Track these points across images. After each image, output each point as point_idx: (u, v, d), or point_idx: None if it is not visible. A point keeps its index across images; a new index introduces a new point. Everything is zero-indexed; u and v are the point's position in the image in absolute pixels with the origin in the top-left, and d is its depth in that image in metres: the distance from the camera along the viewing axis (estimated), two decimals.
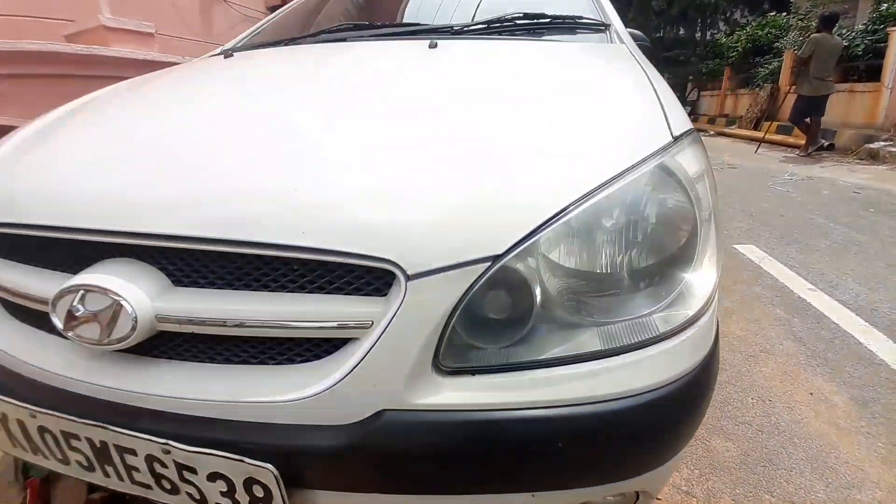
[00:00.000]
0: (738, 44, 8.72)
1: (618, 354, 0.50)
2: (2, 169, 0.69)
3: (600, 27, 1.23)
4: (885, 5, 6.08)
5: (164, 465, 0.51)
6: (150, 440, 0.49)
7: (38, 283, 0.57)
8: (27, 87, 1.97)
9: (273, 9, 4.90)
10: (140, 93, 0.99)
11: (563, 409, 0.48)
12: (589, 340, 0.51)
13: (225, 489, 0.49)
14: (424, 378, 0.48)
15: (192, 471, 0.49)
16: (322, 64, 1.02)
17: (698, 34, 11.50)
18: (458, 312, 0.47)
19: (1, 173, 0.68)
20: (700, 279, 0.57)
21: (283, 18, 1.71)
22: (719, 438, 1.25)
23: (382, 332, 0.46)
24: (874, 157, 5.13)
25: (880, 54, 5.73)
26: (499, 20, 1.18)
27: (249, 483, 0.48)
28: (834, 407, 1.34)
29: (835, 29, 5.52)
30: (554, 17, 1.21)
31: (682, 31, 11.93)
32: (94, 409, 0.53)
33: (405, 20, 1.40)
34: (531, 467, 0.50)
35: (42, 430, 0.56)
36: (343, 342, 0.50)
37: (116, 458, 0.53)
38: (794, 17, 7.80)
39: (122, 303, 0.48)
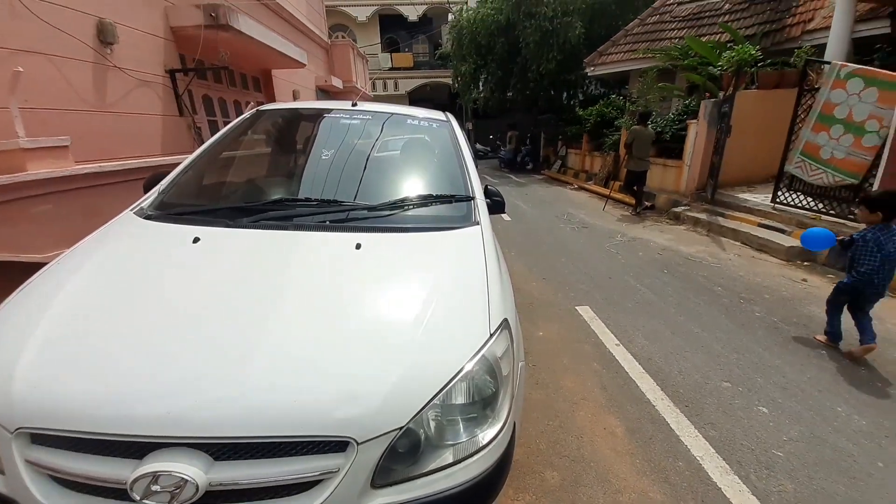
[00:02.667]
0: (591, 116, 10.94)
1: (461, 461, 1.04)
2: (46, 383, 0.96)
3: (468, 199, 1.86)
4: (688, 101, 8.24)
5: None
6: None
7: (108, 469, 0.90)
8: None
9: (171, 72, 4.88)
10: (120, 292, 1.22)
11: (437, 496, 1.00)
12: (447, 456, 1.04)
13: None
14: (366, 492, 0.96)
15: None
16: (275, 265, 1.32)
17: (565, 101, 13.91)
18: (384, 455, 0.96)
19: (48, 390, 0.95)
20: (501, 412, 1.14)
21: (204, 164, 1.99)
22: (549, 470, 1.91)
23: (345, 474, 0.93)
24: (678, 218, 6.95)
25: (682, 139, 7.82)
26: (403, 200, 1.74)
27: None
28: (616, 437, 2.11)
29: (649, 122, 7.46)
30: (438, 196, 1.82)
31: (553, 94, 14.17)
32: None
33: (323, 194, 1.76)
34: None
35: None
36: (321, 479, 0.95)
37: None
38: (627, 102, 10.13)
39: (189, 480, 0.87)
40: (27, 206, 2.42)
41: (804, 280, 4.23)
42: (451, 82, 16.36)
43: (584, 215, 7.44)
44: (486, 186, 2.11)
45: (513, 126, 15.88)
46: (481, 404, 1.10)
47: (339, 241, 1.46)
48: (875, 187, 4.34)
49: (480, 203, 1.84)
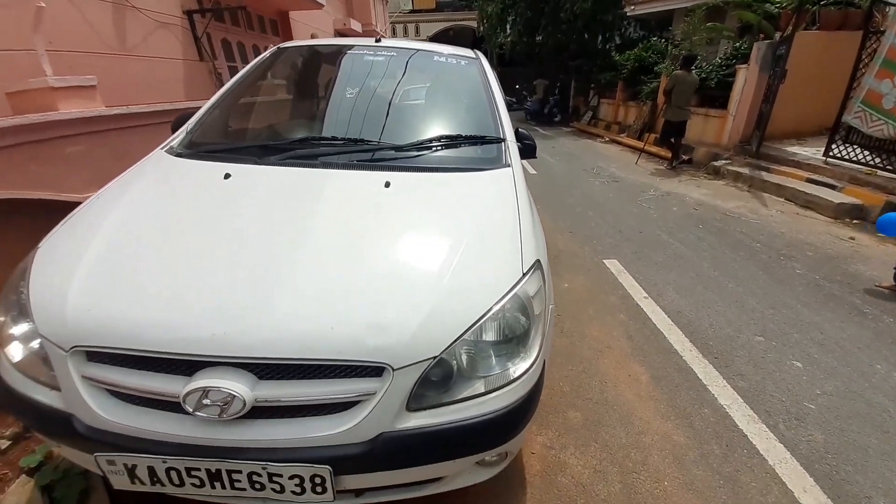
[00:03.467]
0: (629, 62, 10.14)
1: (492, 392, 1.06)
2: (99, 305, 0.99)
3: (498, 140, 1.77)
4: (739, 43, 7.49)
5: (259, 476, 0.95)
6: (254, 462, 0.94)
7: (162, 384, 0.94)
8: None
9: (188, 13, 4.73)
10: (158, 223, 1.24)
11: (468, 422, 1.02)
12: (479, 386, 1.05)
13: (298, 482, 0.96)
14: (401, 415, 0.98)
15: (279, 476, 0.95)
16: (305, 201, 1.32)
17: (599, 45, 12.89)
18: (417, 382, 0.98)
19: (100, 310, 0.98)
20: (532, 349, 1.14)
21: (229, 104, 1.95)
22: (572, 410, 1.95)
23: (380, 398, 0.95)
24: (717, 172, 6.56)
25: (728, 87, 7.20)
26: (431, 140, 1.68)
27: (313, 477, 0.95)
28: (640, 383, 2.12)
29: (693, 67, 6.86)
30: (468, 136, 1.75)
31: (587, 38, 13.15)
32: (212, 451, 0.94)
33: (348, 133, 1.71)
34: (454, 449, 1.04)
35: (170, 469, 0.96)
36: (358, 401, 0.98)
37: (225, 478, 0.96)
38: (670, 45, 9.30)
39: (237, 396, 0.90)
40: (61, 146, 2.46)
41: (852, 238, 3.98)
42: (475, 25, 15.33)
43: (615, 169, 7.11)
44: (516, 129, 2.01)
45: (541, 74, 14.91)
46: (515, 341, 1.11)
47: (368, 179, 1.44)
48: None
49: (511, 145, 1.77)
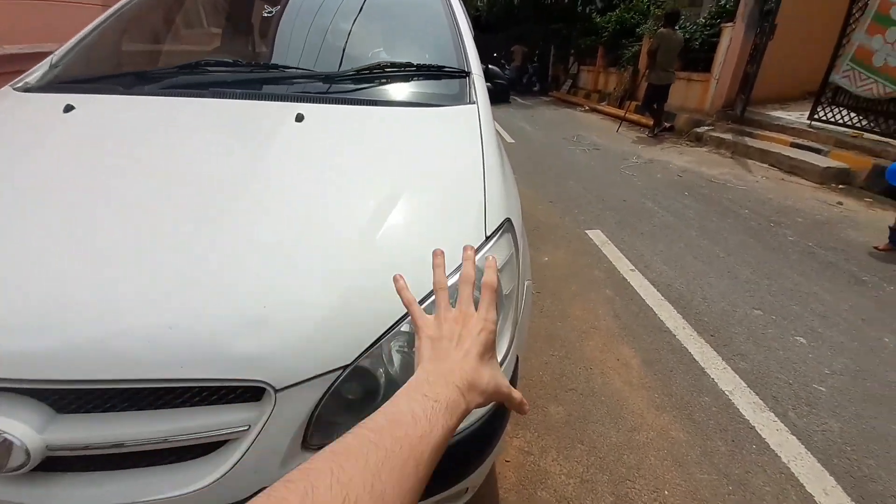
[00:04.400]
0: (609, 24, 9.66)
1: None
2: None
3: (461, 74, 1.38)
4: (724, 0, 7.08)
5: None
6: None
7: None
8: None
9: None
10: None
11: None
12: None
13: None
14: (296, 458, 0.63)
15: None
16: (173, 142, 0.95)
17: (579, 8, 12.29)
18: (320, 405, 0.63)
19: None
20: (500, 343, 0.80)
21: (113, 27, 1.49)
22: (554, 404, 1.66)
23: (259, 433, 0.61)
24: (699, 139, 6.32)
25: (713, 48, 6.86)
26: (369, 68, 1.27)
27: None
28: (630, 369, 1.84)
29: (678, 26, 6.48)
30: (420, 66, 1.34)
31: (566, 1, 12.55)
32: None
33: (258, 58, 1.33)
34: None
35: None
36: (225, 440, 0.63)
37: None
38: (652, 6, 8.85)
39: (10, 438, 0.54)
40: None
41: (840, 203, 3.81)
42: None
43: (596, 137, 6.78)
44: (486, 66, 1.61)
45: (519, 39, 14.21)
46: None
47: (274, 111, 1.05)
48: None
49: (478, 80, 1.38)
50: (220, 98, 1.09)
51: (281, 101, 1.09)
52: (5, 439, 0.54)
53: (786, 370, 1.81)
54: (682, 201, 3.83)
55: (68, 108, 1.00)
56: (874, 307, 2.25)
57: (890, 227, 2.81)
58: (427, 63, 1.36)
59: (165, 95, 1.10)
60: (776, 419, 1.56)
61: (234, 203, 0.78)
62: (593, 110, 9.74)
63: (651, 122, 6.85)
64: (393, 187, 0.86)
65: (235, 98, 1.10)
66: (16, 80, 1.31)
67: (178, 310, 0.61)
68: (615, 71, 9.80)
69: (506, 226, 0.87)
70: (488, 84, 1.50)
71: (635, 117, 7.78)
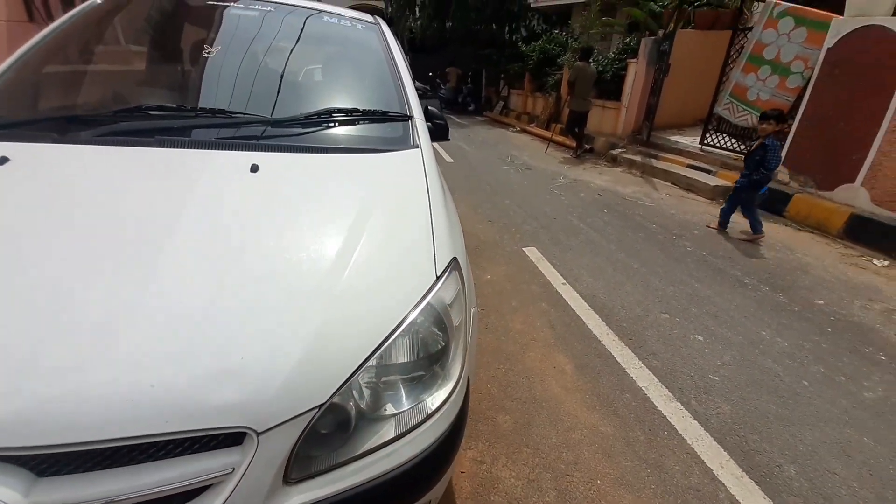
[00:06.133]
0: (534, 53, 10.50)
1: (405, 435, 0.82)
2: None
3: (404, 118, 1.51)
4: (629, 39, 8.06)
5: None
6: None
7: None
8: None
9: None
10: None
11: (376, 482, 0.77)
12: (388, 430, 0.81)
13: None
14: (278, 493, 0.70)
15: None
16: (120, 195, 0.94)
17: (507, 36, 13.18)
18: (298, 443, 0.71)
19: None
20: (453, 370, 0.92)
21: (40, 61, 1.41)
22: (501, 414, 1.81)
23: (243, 474, 0.67)
24: (615, 160, 7.07)
25: (622, 80, 7.75)
26: (318, 114, 1.35)
27: None
28: (565, 374, 2.07)
29: (591, 59, 7.27)
30: (365, 111, 1.44)
31: (495, 27, 13.36)
32: None
33: (202, 103, 1.30)
34: None
35: None
36: (208, 485, 0.67)
37: None
38: (570, 39, 9.80)
39: None
40: None
41: None
42: (383, 7, 14.70)
43: (528, 157, 7.30)
44: (425, 107, 1.75)
45: (452, 62, 14.87)
46: (427, 361, 0.88)
47: (227, 162, 1.08)
48: (793, 128, 4.59)
49: (420, 124, 1.51)
50: (168, 147, 1.08)
51: (233, 149, 1.12)
52: None
53: (688, 364, 2.14)
54: (602, 218, 4.29)
55: (3, 161, 0.96)
56: (754, 306, 2.73)
57: (721, 211, 3.99)
58: (371, 108, 1.46)
59: (106, 144, 1.07)
60: (682, 407, 1.86)
61: (201, 260, 0.82)
62: (524, 131, 10.43)
63: (574, 144, 7.55)
64: (349, 237, 0.94)
65: (184, 147, 1.10)
66: None
67: (157, 368, 0.66)
68: (541, 95, 10.62)
69: (453, 264, 1.00)
70: (429, 123, 1.64)
71: (560, 139, 8.47)
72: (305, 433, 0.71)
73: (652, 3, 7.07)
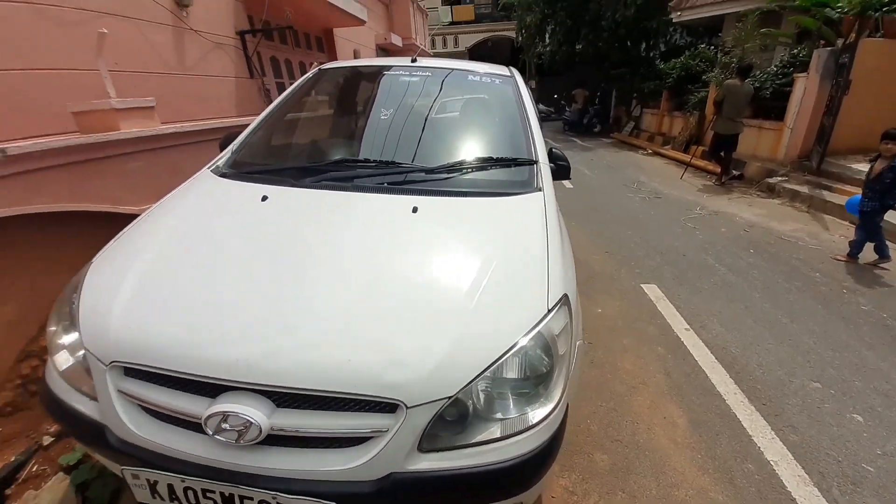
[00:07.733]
0: (674, 70, 9.70)
1: (509, 437, 1.01)
2: (139, 324, 1.05)
3: (530, 163, 1.73)
4: (797, 50, 6.97)
5: None
6: (265, 492, 0.95)
7: (187, 404, 0.98)
8: (52, 175, 2.19)
9: (241, 34, 5.01)
10: (199, 244, 1.30)
11: (481, 468, 0.98)
12: (495, 430, 1.01)
13: None
14: (413, 455, 0.97)
15: None
16: (334, 225, 1.35)
17: (643, 53, 12.44)
18: (431, 422, 0.96)
19: (139, 329, 1.04)
20: (554, 392, 1.08)
21: (272, 124, 2.06)
22: (600, 452, 1.84)
23: (393, 436, 0.94)
24: (771, 190, 6.11)
25: (785, 97, 6.70)
26: (461, 163, 1.68)
27: None
28: (676, 427, 1.98)
29: (748, 78, 6.45)
30: (498, 159, 1.73)
31: (629, 45, 12.76)
32: (227, 475, 0.96)
33: (382, 156, 1.75)
34: (465, 497, 1.01)
35: (187, 489, 0.99)
36: (371, 437, 0.96)
37: (237, 503, 0.98)
38: (720, 53, 8.81)
39: (253, 422, 0.92)
40: (121, 162, 2.66)
41: None
42: (514, 36, 15.25)
43: (658, 184, 6.79)
44: (550, 149, 1.96)
45: (581, 84, 14.56)
46: (534, 381, 1.06)
47: (396, 204, 1.45)
48: None
49: (544, 167, 1.74)
50: (360, 192, 1.50)
51: (401, 193, 1.50)
52: (248, 421, 0.92)
53: (837, 446, 1.84)
54: (746, 259, 3.81)
55: (264, 198, 1.47)
56: None
57: (849, 243, 3.70)
58: (504, 156, 1.75)
59: (321, 188, 1.55)
60: (819, 494, 1.63)
61: (378, 270, 1.17)
62: (656, 154, 9.67)
63: (719, 170, 6.75)
64: (481, 268, 1.19)
65: (368, 192, 1.51)
66: (210, 163, 1.85)
67: (351, 351, 0.99)
68: (681, 115, 9.74)
69: (563, 300, 1.17)
70: (552, 165, 1.84)
71: (702, 163, 7.66)
72: (436, 415, 0.96)
73: (827, 9, 5.99)
